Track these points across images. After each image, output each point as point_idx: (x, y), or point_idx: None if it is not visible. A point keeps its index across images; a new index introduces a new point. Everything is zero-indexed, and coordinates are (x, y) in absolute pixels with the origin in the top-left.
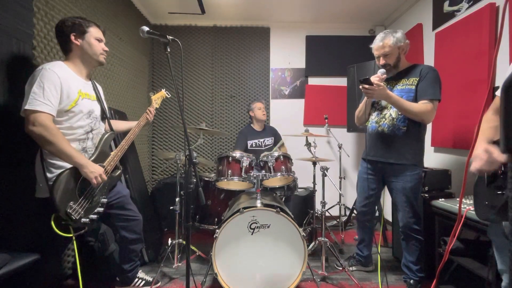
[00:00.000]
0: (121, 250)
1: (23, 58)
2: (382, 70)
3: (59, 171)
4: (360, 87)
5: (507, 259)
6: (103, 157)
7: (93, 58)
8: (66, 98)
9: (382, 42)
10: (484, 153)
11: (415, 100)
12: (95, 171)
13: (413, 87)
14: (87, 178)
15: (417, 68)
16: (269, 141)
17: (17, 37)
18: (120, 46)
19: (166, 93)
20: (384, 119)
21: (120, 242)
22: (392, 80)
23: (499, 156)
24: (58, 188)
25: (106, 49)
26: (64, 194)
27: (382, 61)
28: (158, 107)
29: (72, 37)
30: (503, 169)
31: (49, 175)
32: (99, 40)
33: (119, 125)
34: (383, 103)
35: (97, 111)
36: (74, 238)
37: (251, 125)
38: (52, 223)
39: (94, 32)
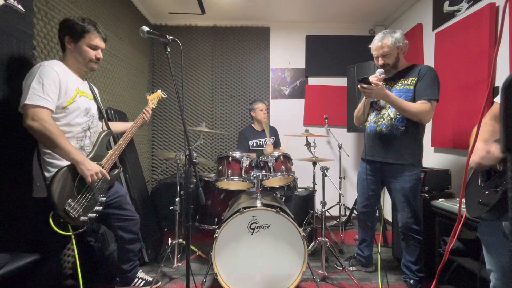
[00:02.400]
0: (119, 250)
1: (23, 58)
2: (381, 70)
3: (57, 169)
4: (359, 86)
5: (495, 259)
6: (101, 155)
7: (81, 63)
8: (64, 94)
9: (381, 42)
10: (483, 148)
11: (414, 100)
12: (91, 169)
13: (412, 87)
14: (83, 175)
15: (416, 68)
16: (270, 141)
17: (17, 37)
18: (120, 46)
19: (162, 93)
20: (382, 119)
21: (118, 242)
22: (391, 80)
23: (498, 151)
24: (57, 185)
25: (100, 56)
26: (62, 192)
27: (381, 61)
28: (154, 107)
29: (66, 39)
30: (498, 168)
31: (46, 174)
32: (94, 48)
33: (116, 126)
34: (382, 103)
35: (94, 110)
36: (73, 236)
37: (252, 125)
38: (50, 220)
39: (90, 39)
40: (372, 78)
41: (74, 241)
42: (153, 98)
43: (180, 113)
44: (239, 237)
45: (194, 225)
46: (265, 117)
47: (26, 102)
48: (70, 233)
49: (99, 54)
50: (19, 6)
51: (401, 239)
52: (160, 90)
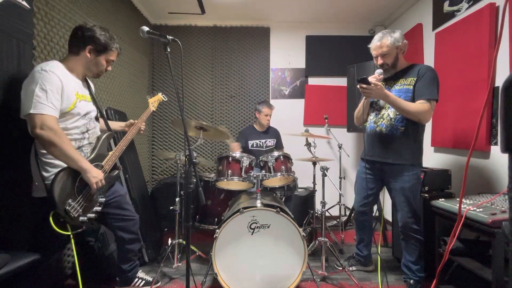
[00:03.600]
0: (119, 250)
1: (23, 58)
2: (380, 71)
3: (55, 170)
4: (358, 86)
5: None
6: (102, 156)
7: (92, 72)
8: (66, 100)
9: (380, 42)
10: None
11: (413, 100)
12: (97, 177)
13: (411, 87)
14: (88, 183)
15: (415, 68)
16: (270, 142)
17: (17, 37)
18: (120, 46)
19: (163, 96)
20: (382, 119)
21: (118, 242)
22: (390, 80)
23: None
24: (58, 185)
25: (109, 69)
26: (63, 192)
27: (380, 61)
28: (155, 109)
29: (87, 49)
30: None
31: (45, 174)
32: (108, 62)
33: (111, 126)
34: (381, 103)
35: (93, 112)
36: (72, 236)
37: (254, 125)
38: (51, 219)
39: (111, 55)
40: (371, 79)
41: (73, 241)
42: (154, 101)
43: (180, 113)
44: (239, 237)
45: (194, 225)
46: (267, 123)
47: (32, 111)
48: (69, 233)
49: (110, 67)
50: (24, 3)
51: (401, 239)
52: (160, 93)
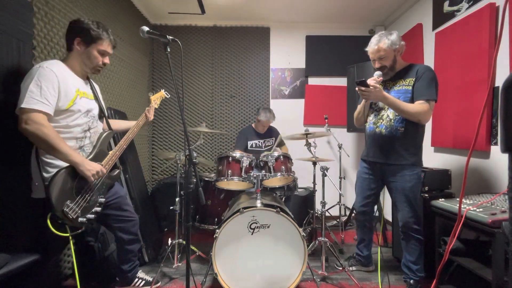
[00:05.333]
0: (118, 250)
1: (23, 58)
2: (379, 73)
3: (56, 170)
4: (356, 89)
5: None
6: (101, 156)
7: (87, 66)
8: (64, 97)
9: (377, 46)
10: None
11: (412, 100)
12: (92, 169)
13: (410, 87)
14: (83, 176)
15: (414, 68)
16: (269, 141)
17: (17, 37)
18: (120, 46)
19: (165, 93)
20: (381, 120)
21: (117, 243)
22: (389, 81)
23: None
24: (55, 186)
25: (107, 62)
26: (61, 193)
27: (377, 64)
28: (157, 107)
29: (76, 41)
30: None
31: (45, 174)
32: (103, 53)
33: (118, 124)
34: (381, 104)
35: (95, 110)
36: (70, 237)
37: (252, 125)
38: (48, 221)
39: (101, 45)
40: (370, 81)
41: (71, 242)
42: (156, 98)
43: (180, 113)
44: (239, 237)
45: (194, 225)
46: (262, 131)
47: (23, 106)
48: (68, 234)
49: (107, 59)
50: None
51: (401, 239)
52: (163, 90)
